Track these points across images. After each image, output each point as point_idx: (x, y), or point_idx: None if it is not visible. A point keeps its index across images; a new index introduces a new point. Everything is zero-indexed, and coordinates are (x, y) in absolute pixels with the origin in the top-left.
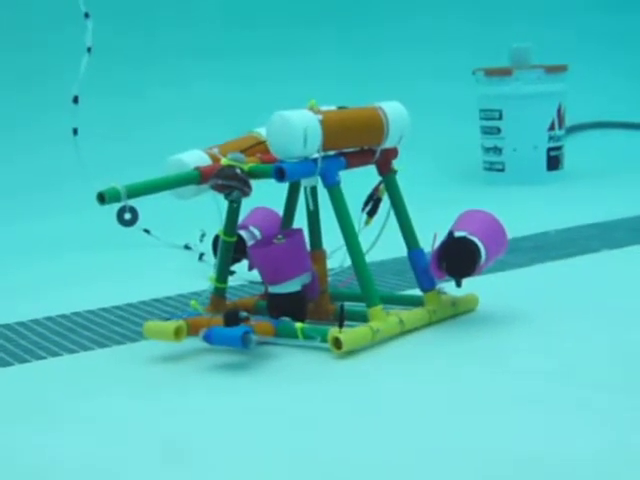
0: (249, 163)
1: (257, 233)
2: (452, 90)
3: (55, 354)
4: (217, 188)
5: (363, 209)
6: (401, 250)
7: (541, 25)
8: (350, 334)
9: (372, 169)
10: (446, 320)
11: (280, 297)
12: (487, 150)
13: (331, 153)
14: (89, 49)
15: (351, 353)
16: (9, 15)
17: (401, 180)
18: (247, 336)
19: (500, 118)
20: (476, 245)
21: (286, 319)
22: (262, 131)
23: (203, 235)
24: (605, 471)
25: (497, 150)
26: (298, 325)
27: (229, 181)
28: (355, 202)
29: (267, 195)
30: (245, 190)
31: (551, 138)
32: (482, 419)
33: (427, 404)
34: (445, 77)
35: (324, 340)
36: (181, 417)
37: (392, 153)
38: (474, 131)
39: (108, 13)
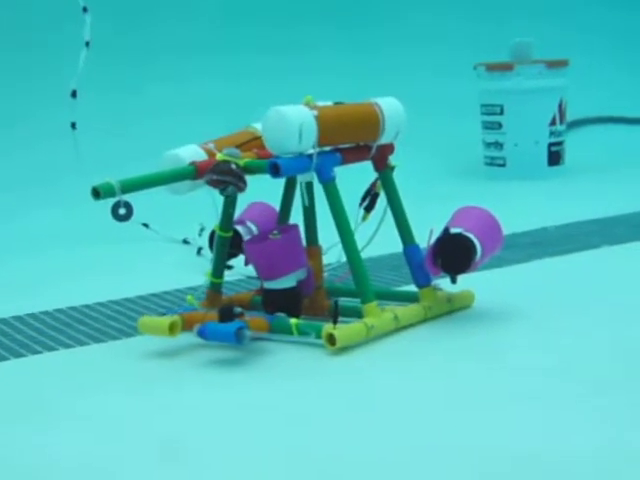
0: (245, 158)
1: (254, 228)
2: (453, 85)
3: (51, 349)
4: (212, 183)
5: (360, 204)
6: (398, 245)
7: (542, 20)
8: (344, 330)
9: (369, 165)
10: (442, 316)
11: (275, 293)
12: (488, 145)
13: (327, 149)
14: (87, 43)
15: (345, 349)
16: (8, 11)
17: (402, 175)
18: (241, 332)
19: (501, 113)
20: (472, 242)
21: (281, 315)
22: (259, 126)
23: (202, 229)
24: (603, 468)
25: (498, 145)
26: (293, 321)
27: (224, 176)
28: (352, 198)
29: (264, 190)
30: (240, 185)
31: (552, 133)
32: (477, 415)
33: (422, 400)
34: (446, 72)
35: (318, 336)
36: (175, 413)
37: (388, 149)
38: (475, 126)
39: (106, 8)
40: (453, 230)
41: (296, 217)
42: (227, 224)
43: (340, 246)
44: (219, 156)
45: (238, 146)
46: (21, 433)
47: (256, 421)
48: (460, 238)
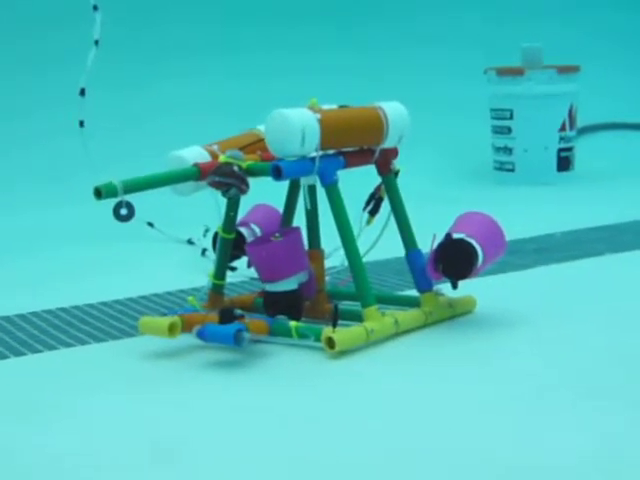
0: (248, 160)
1: (257, 230)
2: (464, 89)
3: (52, 347)
4: (214, 185)
5: (365, 208)
6: (404, 250)
7: (554, 25)
8: (344, 334)
9: (374, 169)
10: (443, 322)
11: (276, 295)
12: (497, 150)
13: (330, 152)
14: (96, 42)
15: (345, 353)
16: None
17: (410, 178)
18: (240, 334)
19: (511, 118)
20: (473, 247)
21: (281, 317)
22: (263, 128)
23: (207, 230)
24: (598, 477)
25: (507, 150)
26: (292, 324)
27: (226, 178)
28: (356, 201)
29: (269, 192)
30: (242, 188)
31: (562, 139)
32: (473, 421)
33: (417, 405)
34: (457, 75)
35: (318, 339)
36: (173, 414)
37: (392, 153)
38: (485, 130)
39: (116, 7)
40: (455, 236)
41: (300, 220)
42: (230, 226)
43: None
44: (222, 158)
45: (242, 148)
46: (20, 432)
47: (253, 423)
48: (462, 244)
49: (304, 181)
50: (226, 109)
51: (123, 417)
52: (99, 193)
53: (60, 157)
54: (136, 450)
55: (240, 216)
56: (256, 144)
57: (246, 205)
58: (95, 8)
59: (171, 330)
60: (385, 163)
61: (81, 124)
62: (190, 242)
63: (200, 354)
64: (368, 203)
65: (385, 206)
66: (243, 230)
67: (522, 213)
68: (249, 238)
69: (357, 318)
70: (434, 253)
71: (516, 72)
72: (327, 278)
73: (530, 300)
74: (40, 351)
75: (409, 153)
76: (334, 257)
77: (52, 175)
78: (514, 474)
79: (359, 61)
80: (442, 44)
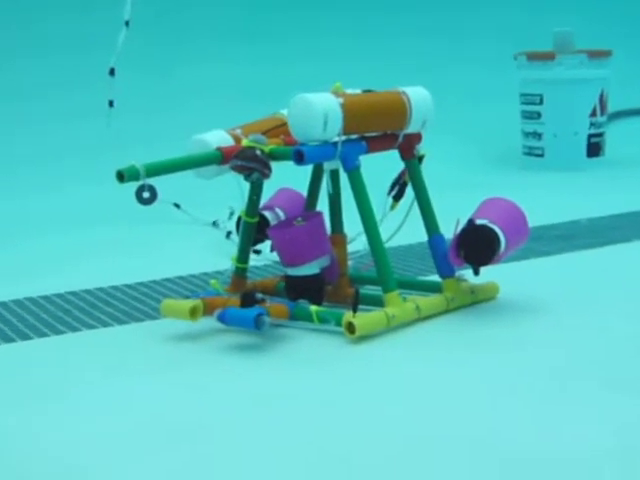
0: (271, 145)
1: (282, 214)
2: (494, 75)
3: (75, 329)
4: (237, 169)
5: (389, 193)
6: None
7: (586, 9)
8: (364, 319)
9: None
10: (464, 307)
11: (298, 279)
12: (527, 135)
13: (353, 137)
14: (127, 23)
15: (365, 338)
16: None
17: (439, 163)
18: (260, 318)
19: (541, 103)
20: (495, 234)
21: (303, 302)
22: (286, 112)
23: (232, 213)
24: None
25: (537, 135)
26: (313, 308)
27: (248, 162)
28: (380, 186)
29: (293, 176)
30: (265, 172)
31: (592, 124)
32: (489, 411)
33: (436, 391)
34: (488, 61)
35: (338, 324)
36: (192, 397)
37: (415, 138)
38: (514, 116)
39: None
40: (478, 221)
41: (324, 204)
42: (253, 210)
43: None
44: (245, 142)
45: (265, 132)
46: (42, 412)
47: (272, 407)
48: (484, 230)
49: (327, 166)
50: (251, 92)
51: (143, 399)
52: (121, 176)
53: (89, 136)
54: (156, 431)
55: (264, 200)
56: (280, 128)
57: (271, 189)
58: None
59: (192, 313)
60: (408, 148)
61: (110, 104)
62: (215, 224)
63: (221, 337)
64: (392, 188)
65: (410, 191)
66: (267, 214)
67: (549, 199)
68: (273, 222)
69: (379, 303)
70: (456, 239)
71: (547, 57)
72: (350, 262)
73: (553, 287)
74: (63, 332)
75: (437, 139)
76: (357, 242)
77: (80, 154)
78: (528, 464)
79: (387, 47)
80: (473, 30)
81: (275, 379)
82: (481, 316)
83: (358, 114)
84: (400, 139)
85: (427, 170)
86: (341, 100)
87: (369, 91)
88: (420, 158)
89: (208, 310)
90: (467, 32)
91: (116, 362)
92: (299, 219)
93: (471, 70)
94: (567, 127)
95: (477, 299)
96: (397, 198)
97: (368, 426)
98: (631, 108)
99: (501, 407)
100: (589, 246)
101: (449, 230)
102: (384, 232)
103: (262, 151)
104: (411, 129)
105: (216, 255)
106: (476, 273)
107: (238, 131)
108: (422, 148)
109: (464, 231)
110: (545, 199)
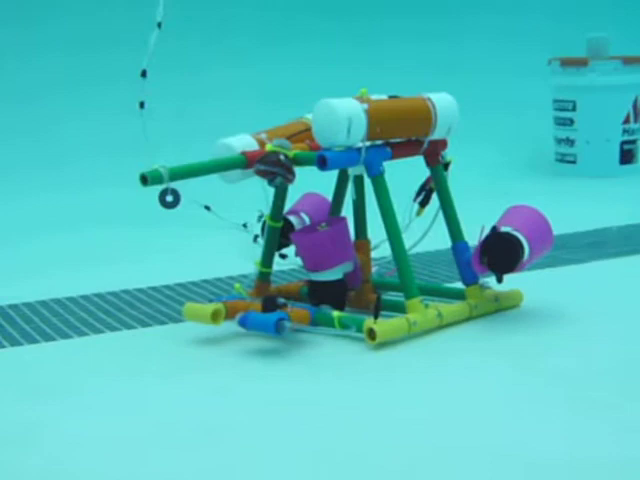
0: (295, 149)
1: (307, 219)
2: (527, 82)
3: (98, 331)
4: (260, 174)
5: (415, 199)
6: None
7: (621, 15)
8: (385, 325)
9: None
10: (488, 315)
11: (320, 285)
12: (559, 141)
13: (377, 143)
14: (159, 24)
15: (386, 344)
16: None
17: (471, 170)
18: (281, 323)
19: (574, 109)
20: (519, 241)
21: (325, 307)
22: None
23: (261, 216)
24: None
25: (569, 142)
26: (335, 314)
27: (272, 167)
28: (405, 192)
29: (319, 182)
30: (288, 177)
31: (625, 131)
32: (509, 419)
33: (456, 398)
34: (521, 67)
35: (360, 330)
36: (213, 400)
37: (441, 144)
38: (546, 122)
39: None
40: (502, 229)
41: (349, 210)
42: (277, 214)
43: None
44: (269, 147)
45: (290, 137)
46: (56, 413)
47: (292, 412)
48: (508, 237)
49: (352, 171)
50: (280, 95)
51: (163, 401)
52: (145, 180)
53: (121, 136)
54: (177, 433)
55: (290, 204)
56: (305, 133)
57: (298, 193)
58: None
59: (214, 317)
60: (433, 154)
61: (141, 105)
62: (244, 226)
63: (243, 341)
64: (419, 194)
65: (436, 198)
66: (292, 218)
67: (580, 206)
68: (298, 226)
69: (401, 309)
70: (479, 246)
71: (580, 63)
72: (374, 269)
73: (579, 296)
74: (86, 334)
75: (469, 145)
76: (382, 248)
77: (107, 154)
78: (550, 472)
79: (416, 53)
80: (507, 35)
81: (295, 384)
82: (504, 324)
83: (382, 120)
84: (425, 145)
85: (456, 177)
86: (365, 106)
87: (395, 97)
88: (446, 165)
89: (230, 314)
90: (500, 38)
91: (137, 365)
92: (323, 224)
93: (504, 76)
94: (600, 134)
95: (501, 307)
96: (423, 204)
97: (388, 432)
98: None
99: (523, 415)
100: (619, 254)
101: (475, 237)
102: (410, 238)
103: (286, 156)
104: (436, 135)
105: (242, 259)
106: (499, 281)
107: (263, 135)
108: (450, 155)
109: (487, 238)
110: (576, 206)
